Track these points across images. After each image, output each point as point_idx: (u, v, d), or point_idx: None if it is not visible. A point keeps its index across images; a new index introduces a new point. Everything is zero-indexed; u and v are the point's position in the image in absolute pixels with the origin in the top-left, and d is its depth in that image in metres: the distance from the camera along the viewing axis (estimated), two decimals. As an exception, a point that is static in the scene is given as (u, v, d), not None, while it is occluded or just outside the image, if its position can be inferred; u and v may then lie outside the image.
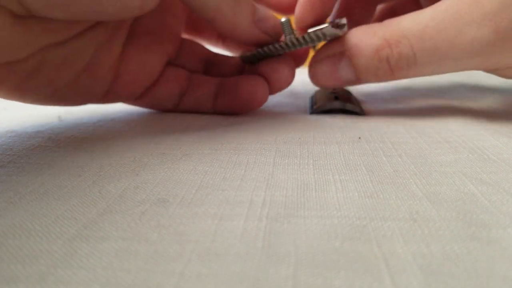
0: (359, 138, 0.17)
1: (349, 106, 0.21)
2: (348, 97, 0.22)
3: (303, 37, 0.18)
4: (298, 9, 0.19)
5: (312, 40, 0.18)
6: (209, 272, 0.08)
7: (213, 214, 0.10)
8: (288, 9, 0.23)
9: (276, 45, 0.18)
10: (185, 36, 0.23)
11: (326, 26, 0.18)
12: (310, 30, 0.18)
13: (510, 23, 0.16)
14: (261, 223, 0.10)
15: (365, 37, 0.18)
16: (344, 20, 0.18)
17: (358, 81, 0.19)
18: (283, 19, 0.18)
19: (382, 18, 0.26)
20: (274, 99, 0.25)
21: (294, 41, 0.18)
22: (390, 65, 0.18)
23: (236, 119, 0.20)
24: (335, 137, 0.17)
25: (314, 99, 0.23)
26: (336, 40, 0.19)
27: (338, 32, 0.18)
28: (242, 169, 0.13)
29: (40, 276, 0.08)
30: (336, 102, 0.21)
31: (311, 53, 0.21)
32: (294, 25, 0.19)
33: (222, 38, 0.24)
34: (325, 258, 0.08)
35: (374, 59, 0.18)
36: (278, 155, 0.15)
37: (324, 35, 0.18)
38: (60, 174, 0.13)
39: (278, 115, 0.21)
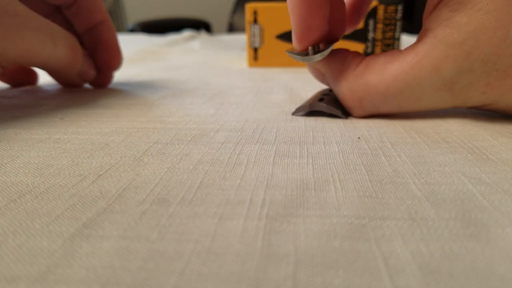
0: (359, 138, 0.17)
1: (328, 109, 0.20)
2: (334, 99, 0.21)
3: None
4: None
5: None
6: (209, 272, 0.08)
7: (213, 213, 0.10)
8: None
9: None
10: None
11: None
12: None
13: (464, 87, 0.17)
14: (260, 223, 0.10)
15: (338, 79, 0.20)
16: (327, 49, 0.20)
17: None
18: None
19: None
20: (274, 99, 0.25)
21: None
22: (361, 104, 0.19)
23: (235, 119, 0.20)
24: (335, 137, 0.17)
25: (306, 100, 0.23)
26: (322, 62, 0.21)
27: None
28: (242, 168, 0.13)
29: (40, 275, 0.08)
30: (318, 104, 0.20)
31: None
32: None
33: None
34: (325, 257, 0.08)
35: (343, 99, 0.20)
36: (278, 155, 0.15)
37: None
38: (60, 173, 0.13)
39: (278, 115, 0.21)
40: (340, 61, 0.20)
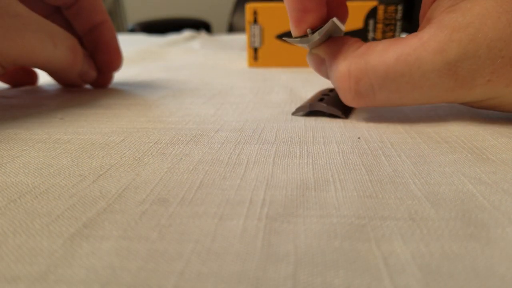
0: (359, 138, 0.17)
1: (328, 109, 0.20)
2: (334, 99, 0.21)
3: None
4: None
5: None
6: (209, 272, 0.08)
7: (213, 213, 0.10)
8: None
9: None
10: None
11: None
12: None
13: (468, 73, 0.16)
14: (260, 223, 0.10)
15: (337, 59, 0.19)
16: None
17: None
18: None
19: None
20: (274, 99, 0.25)
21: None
22: (357, 87, 0.18)
23: (235, 119, 0.20)
24: (335, 137, 0.17)
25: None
26: (323, 43, 0.20)
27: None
28: (242, 168, 0.13)
29: (40, 275, 0.08)
30: (318, 104, 0.20)
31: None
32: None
33: None
34: (325, 257, 0.08)
35: (339, 80, 0.19)
36: (278, 155, 0.15)
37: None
38: (60, 173, 0.13)
39: (278, 115, 0.21)
40: (341, 44, 0.19)
